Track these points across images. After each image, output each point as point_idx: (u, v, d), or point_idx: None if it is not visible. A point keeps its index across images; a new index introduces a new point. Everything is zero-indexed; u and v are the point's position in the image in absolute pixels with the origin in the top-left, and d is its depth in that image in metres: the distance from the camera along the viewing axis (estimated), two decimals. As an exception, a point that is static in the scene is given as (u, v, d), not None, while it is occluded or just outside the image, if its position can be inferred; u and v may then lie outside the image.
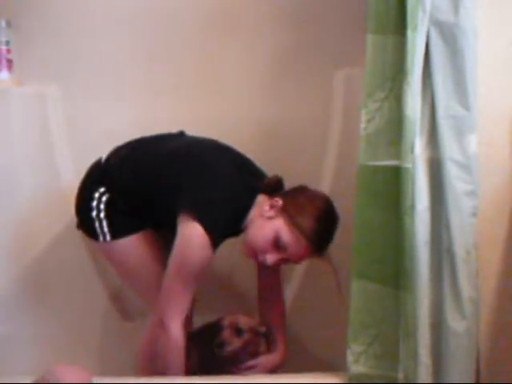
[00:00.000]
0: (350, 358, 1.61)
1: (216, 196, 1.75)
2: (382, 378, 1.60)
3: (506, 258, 1.60)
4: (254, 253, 1.78)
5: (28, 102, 2.23)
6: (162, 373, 1.77)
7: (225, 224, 1.75)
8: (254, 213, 1.79)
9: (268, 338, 1.89)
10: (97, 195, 1.85)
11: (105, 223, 1.84)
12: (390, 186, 1.55)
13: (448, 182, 1.52)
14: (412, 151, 1.51)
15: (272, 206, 1.76)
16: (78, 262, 2.06)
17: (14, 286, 2.17)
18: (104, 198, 1.85)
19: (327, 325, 2.09)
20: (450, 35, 1.50)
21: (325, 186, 2.24)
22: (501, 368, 1.61)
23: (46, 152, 2.20)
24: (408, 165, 1.50)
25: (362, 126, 1.57)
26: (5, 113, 2.19)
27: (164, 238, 1.90)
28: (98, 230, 1.84)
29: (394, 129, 1.53)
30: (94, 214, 1.85)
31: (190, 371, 1.83)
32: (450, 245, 1.53)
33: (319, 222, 1.74)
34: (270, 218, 1.74)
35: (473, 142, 1.53)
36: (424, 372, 1.55)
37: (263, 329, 1.87)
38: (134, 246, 1.87)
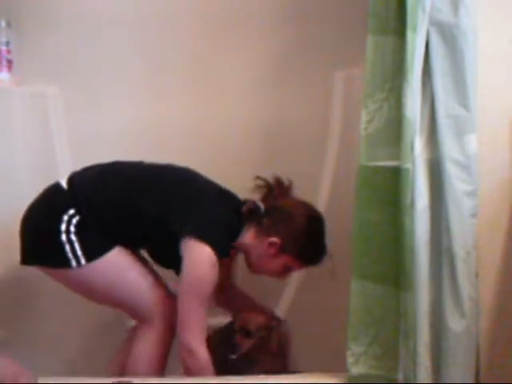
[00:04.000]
0: (349, 359, 1.61)
1: (213, 217, 1.82)
2: (382, 378, 1.59)
3: (505, 258, 1.60)
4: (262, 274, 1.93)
5: (28, 102, 2.23)
6: None
7: (225, 241, 1.82)
8: (247, 242, 1.85)
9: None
10: (66, 218, 1.77)
11: (77, 246, 1.75)
12: (389, 186, 1.55)
13: (448, 182, 1.52)
14: (412, 151, 1.51)
15: (271, 245, 1.82)
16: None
17: (13, 286, 2.17)
18: (74, 221, 1.77)
19: (327, 325, 2.09)
20: (450, 35, 1.50)
21: (325, 186, 2.24)
22: (501, 368, 1.61)
23: (46, 152, 2.20)
24: (408, 165, 1.50)
25: (362, 126, 1.57)
26: (5, 113, 2.20)
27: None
28: (70, 254, 1.75)
29: (394, 129, 1.53)
30: (64, 237, 1.75)
31: None
32: (449, 245, 1.52)
33: (320, 248, 1.85)
34: (274, 255, 1.83)
35: (473, 141, 1.53)
36: (424, 372, 1.55)
37: (274, 323, 1.90)
38: (112, 263, 1.81)
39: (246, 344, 1.85)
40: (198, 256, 1.76)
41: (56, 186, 1.85)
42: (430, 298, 1.56)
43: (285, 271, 1.90)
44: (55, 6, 2.26)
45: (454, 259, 1.52)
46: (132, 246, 1.87)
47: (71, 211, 1.78)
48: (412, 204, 1.52)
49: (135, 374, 1.83)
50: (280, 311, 2.23)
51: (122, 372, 1.88)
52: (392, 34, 1.53)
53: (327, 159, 2.25)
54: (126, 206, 1.81)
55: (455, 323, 1.53)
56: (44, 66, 2.26)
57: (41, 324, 2.17)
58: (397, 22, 1.52)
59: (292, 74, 2.30)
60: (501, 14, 1.57)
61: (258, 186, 1.88)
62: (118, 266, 1.82)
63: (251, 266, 1.90)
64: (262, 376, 1.77)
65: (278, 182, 1.89)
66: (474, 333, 1.55)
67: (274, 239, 1.81)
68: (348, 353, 1.60)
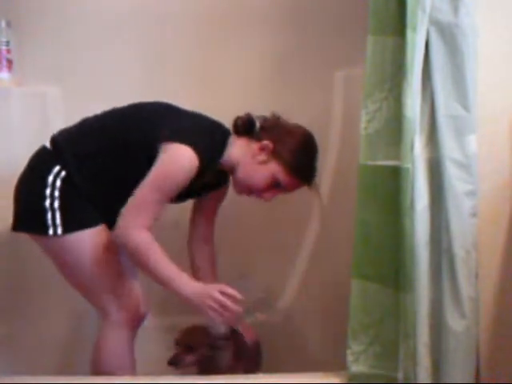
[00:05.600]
0: (349, 357, 1.61)
1: (192, 124, 1.79)
2: (382, 377, 1.59)
3: (505, 258, 1.60)
4: (249, 192, 1.85)
5: (28, 102, 2.23)
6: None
7: (208, 146, 1.75)
8: (236, 154, 1.82)
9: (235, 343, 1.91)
10: (50, 179, 1.74)
11: (58, 214, 1.72)
12: (389, 186, 1.55)
13: (448, 181, 1.52)
14: (412, 151, 1.51)
15: (262, 149, 1.79)
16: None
17: (13, 284, 2.17)
18: (58, 183, 1.73)
19: (327, 325, 2.09)
20: (450, 35, 1.50)
21: (325, 186, 2.24)
22: (501, 368, 1.60)
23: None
24: (408, 165, 1.50)
25: (362, 126, 1.57)
26: (5, 113, 2.20)
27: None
28: (50, 221, 1.72)
29: (394, 129, 1.53)
30: (48, 202, 1.72)
31: None
32: (449, 245, 1.52)
33: (311, 161, 1.83)
34: (264, 161, 1.79)
35: (473, 141, 1.52)
36: (423, 372, 1.55)
37: (220, 343, 1.88)
38: (87, 241, 1.75)
39: (188, 359, 1.83)
40: (173, 153, 1.69)
41: (41, 149, 1.83)
42: (430, 297, 1.56)
43: (272, 184, 1.81)
44: (55, 6, 2.26)
45: (453, 259, 1.52)
46: (125, 190, 1.79)
47: (56, 168, 1.75)
48: (412, 204, 1.52)
49: (99, 373, 1.80)
50: (280, 311, 2.24)
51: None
52: (392, 33, 1.53)
53: (327, 159, 2.26)
54: (110, 146, 1.77)
55: (455, 323, 1.53)
56: (44, 66, 2.26)
57: (41, 321, 2.17)
58: (397, 22, 1.52)
59: (292, 74, 2.30)
60: (501, 15, 1.57)
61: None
62: (92, 245, 1.76)
63: (237, 183, 1.85)
64: (262, 376, 1.78)
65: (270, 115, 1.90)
66: (473, 333, 1.55)
67: (266, 142, 1.79)
68: (348, 352, 1.60)
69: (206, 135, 1.78)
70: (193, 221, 2.01)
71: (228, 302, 1.60)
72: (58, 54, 2.26)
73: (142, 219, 1.68)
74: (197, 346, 1.85)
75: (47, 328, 2.17)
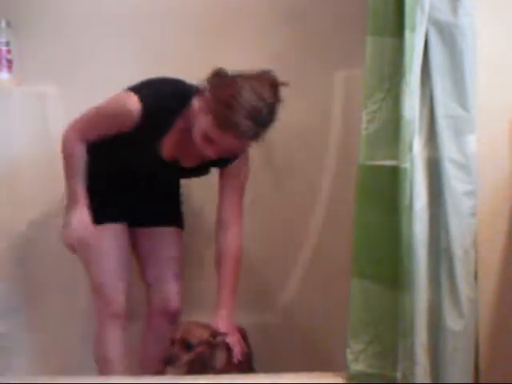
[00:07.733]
0: (349, 356, 1.61)
1: (151, 81, 1.85)
2: (381, 377, 1.59)
3: (504, 258, 1.60)
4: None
5: (28, 102, 2.24)
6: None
7: (156, 98, 1.78)
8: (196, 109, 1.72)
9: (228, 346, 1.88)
10: None
11: None
12: (388, 186, 1.55)
13: (447, 181, 1.52)
14: (410, 151, 1.51)
15: (200, 101, 1.69)
16: (78, 261, 2.06)
17: (14, 283, 2.17)
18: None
19: (327, 324, 2.10)
20: (449, 35, 1.50)
21: (325, 186, 2.24)
22: (500, 368, 1.61)
23: (45, 152, 2.20)
24: (405, 164, 1.51)
25: (363, 126, 1.57)
26: (5, 113, 2.20)
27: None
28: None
29: (393, 129, 1.53)
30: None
31: None
32: (448, 245, 1.53)
33: (242, 117, 1.63)
34: (200, 112, 1.68)
35: (472, 141, 1.53)
36: (422, 371, 1.55)
37: (216, 341, 1.86)
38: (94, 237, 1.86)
39: (186, 357, 1.80)
40: (117, 94, 1.81)
41: None
42: (429, 297, 1.56)
43: (206, 139, 1.68)
44: (55, 6, 2.27)
45: (452, 259, 1.52)
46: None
47: None
48: (411, 204, 1.52)
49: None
50: (280, 311, 2.24)
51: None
52: (391, 34, 1.53)
53: (327, 159, 2.26)
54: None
55: (453, 323, 1.53)
56: (44, 66, 2.27)
57: (40, 320, 2.17)
58: (396, 23, 1.52)
59: (292, 74, 2.28)
60: (501, 15, 1.58)
61: None
62: (95, 242, 1.86)
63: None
64: (262, 375, 1.78)
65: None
66: (472, 333, 1.55)
67: (206, 93, 1.68)
68: (348, 350, 1.61)
69: (160, 87, 1.81)
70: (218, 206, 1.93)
71: None
72: (58, 54, 2.26)
73: (80, 126, 1.84)
74: (195, 343, 1.83)
75: (52, 326, 2.19)
